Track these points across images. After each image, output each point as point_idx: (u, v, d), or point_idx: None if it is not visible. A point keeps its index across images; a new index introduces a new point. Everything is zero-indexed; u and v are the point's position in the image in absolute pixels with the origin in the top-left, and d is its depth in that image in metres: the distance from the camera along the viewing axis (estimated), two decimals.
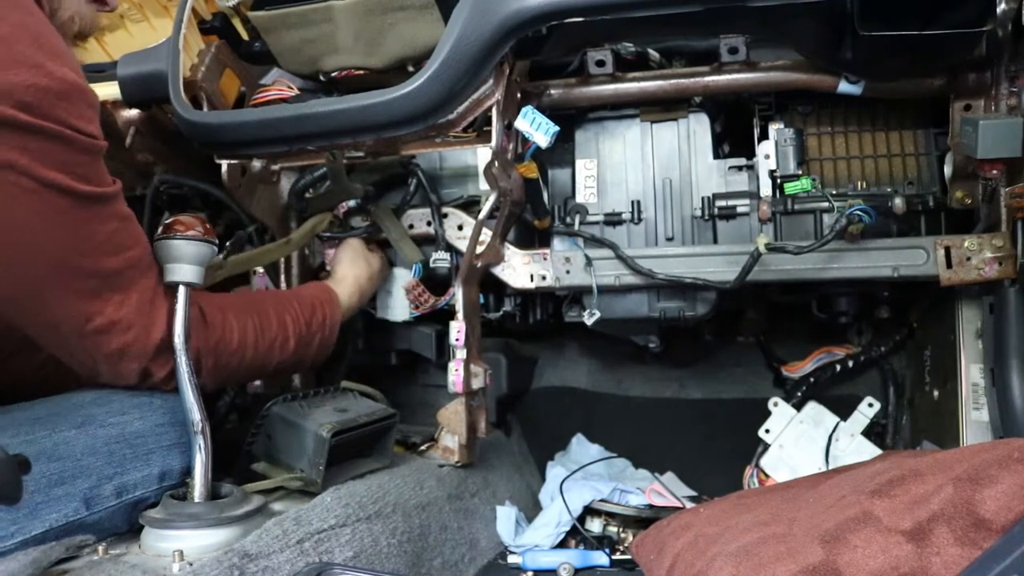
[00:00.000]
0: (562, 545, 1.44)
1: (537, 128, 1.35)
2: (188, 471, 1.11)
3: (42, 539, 0.98)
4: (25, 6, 0.98)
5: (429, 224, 1.64)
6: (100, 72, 1.63)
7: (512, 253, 1.57)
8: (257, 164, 1.54)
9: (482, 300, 1.69)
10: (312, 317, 1.40)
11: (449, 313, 1.45)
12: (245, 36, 1.56)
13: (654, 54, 1.56)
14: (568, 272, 1.55)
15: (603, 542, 1.42)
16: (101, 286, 1.06)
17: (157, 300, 1.12)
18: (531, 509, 1.59)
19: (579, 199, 1.67)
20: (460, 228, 1.63)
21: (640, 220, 1.62)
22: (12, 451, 0.91)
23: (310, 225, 1.62)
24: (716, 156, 1.63)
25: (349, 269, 1.57)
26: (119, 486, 1.07)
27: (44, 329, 1.09)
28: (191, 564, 0.91)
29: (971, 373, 1.45)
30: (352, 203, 1.64)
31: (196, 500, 1.06)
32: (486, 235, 1.49)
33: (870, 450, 1.66)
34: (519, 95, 1.50)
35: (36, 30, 0.96)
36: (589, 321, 1.55)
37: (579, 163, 1.68)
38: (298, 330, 1.36)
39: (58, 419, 1.07)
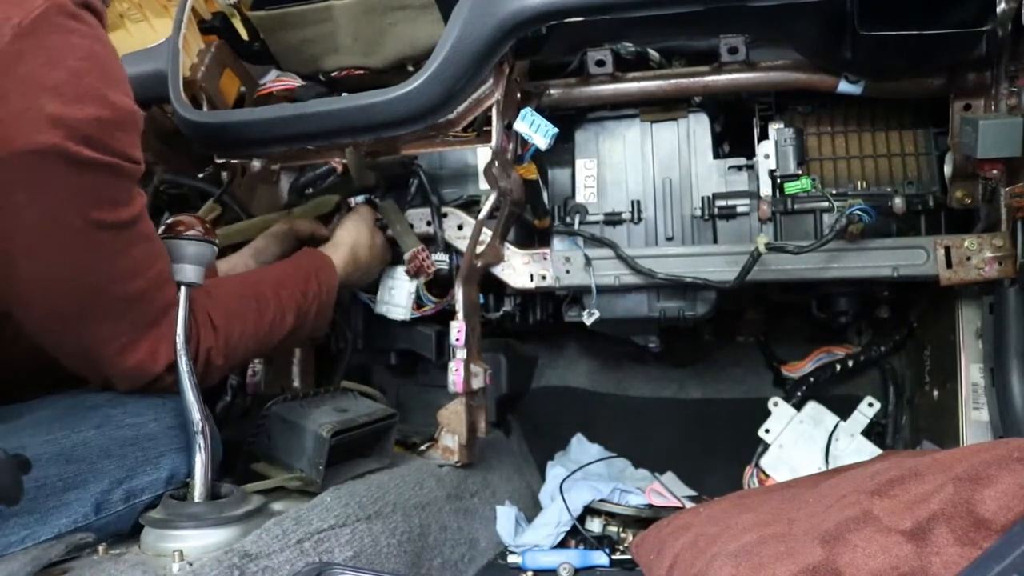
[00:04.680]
0: (562, 545, 1.44)
1: (536, 130, 1.35)
2: (192, 472, 1.11)
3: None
4: (97, 33, 0.97)
5: (429, 224, 1.64)
6: None
7: (512, 253, 1.57)
8: (257, 164, 1.54)
9: (482, 300, 1.69)
10: (307, 287, 1.38)
11: (449, 313, 1.45)
12: (245, 36, 1.56)
13: (654, 54, 1.56)
14: (568, 272, 1.55)
15: (603, 542, 1.42)
16: (125, 309, 1.07)
17: (173, 312, 1.12)
18: (531, 509, 1.59)
19: (579, 199, 1.67)
20: (460, 228, 1.63)
21: (640, 220, 1.62)
22: (33, 450, 0.92)
23: (315, 202, 1.62)
24: (716, 156, 1.63)
25: (348, 235, 1.55)
26: (128, 491, 1.07)
27: (67, 354, 1.10)
28: (191, 564, 0.91)
29: (971, 373, 1.45)
30: (360, 198, 1.65)
31: (196, 500, 1.06)
32: (486, 235, 1.49)
33: (870, 450, 1.66)
34: (519, 95, 1.50)
35: (104, 59, 0.97)
36: (589, 321, 1.55)
37: (579, 163, 1.68)
38: (296, 304, 1.35)
39: (77, 418, 1.07)
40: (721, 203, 1.58)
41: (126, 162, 0.99)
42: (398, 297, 1.70)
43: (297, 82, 1.49)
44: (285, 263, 1.46)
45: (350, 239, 1.55)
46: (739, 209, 1.57)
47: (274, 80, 1.51)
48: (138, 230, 1.05)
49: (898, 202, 1.44)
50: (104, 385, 1.14)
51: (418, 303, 1.66)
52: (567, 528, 1.45)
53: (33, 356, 1.12)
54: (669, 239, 1.61)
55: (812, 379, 1.76)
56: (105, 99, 0.95)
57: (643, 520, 1.46)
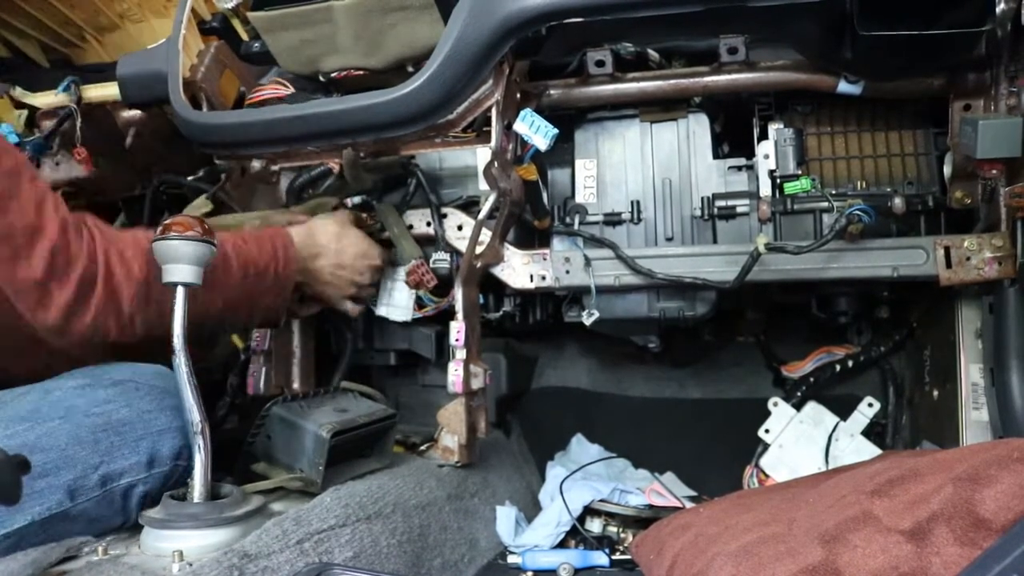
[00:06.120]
0: (562, 545, 1.44)
1: (536, 131, 1.35)
2: (178, 455, 1.11)
3: (25, 533, 0.99)
4: None
5: (429, 224, 1.64)
6: (100, 72, 1.63)
7: (512, 253, 1.57)
8: (256, 164, 1.54)
9: (482, 300, 1.69)
10: (260, 257, 1.33)
11: (449, 313, 1.45)
12: (245, 36, 1.56)
13: (654, 54, 1.56)
14: (568, 272, 1.55)
15: (603, 542, 1.42)
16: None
17: (46, 204, 1.10)
18: (531, 509, 1.59)
19: (579, 199, 1.67)
20: (460, 228, 1.63)
21: (640, 220, 1.62)
22: None
23: (313, 204, 1.62)
24: (716, 156, 1.63)
25: (313, 221, 1.52)
26: (104, 475, 1.07)
27: None
28: (191, 564, 0.91)
29: (971, 373, 1.45)
30: (357, 199, 1.64)
31: (196, 500, 1.06)
32: (486, 235, 1.49)
33: (870, 450, 1.66)
34: (519, 95, 1.50)
35: None
36: (588, 321, 1.55)
37: (579, 163, 1.68)
38: (243, 264, 1.30)
39: (40, 412, 1.07)
40: (721, 203, 1.58)
41: None
42: (399, 299, 1.71)
43: (289, 90, 1.49)
44: (233, 234, 1.38)
45: (313, 224, 1.52)
46: (739, 209, 1.57)
47: (266, 86, 1.51)
48: None
49: (898, 202, 1.44)
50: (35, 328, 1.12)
51: (419, 303, 1.66)
52: (567, 528, 1.45)
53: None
54: (669, 239, 1.61)
55: (812, 379, 1.76)
56: None
57: (643, 520, 1.46)
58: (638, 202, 1.63)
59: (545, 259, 1.56)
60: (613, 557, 1.36)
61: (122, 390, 1.14)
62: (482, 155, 1.65)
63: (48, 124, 1.63)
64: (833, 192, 1.53)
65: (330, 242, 1.51)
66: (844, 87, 1.43)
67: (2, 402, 1.10)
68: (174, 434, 1.13)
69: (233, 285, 1.29)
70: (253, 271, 1.32)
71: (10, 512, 0.98)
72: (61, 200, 1.13)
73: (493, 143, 1.38)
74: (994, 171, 1.34)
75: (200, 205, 1.58)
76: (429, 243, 1.65)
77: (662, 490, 1.55)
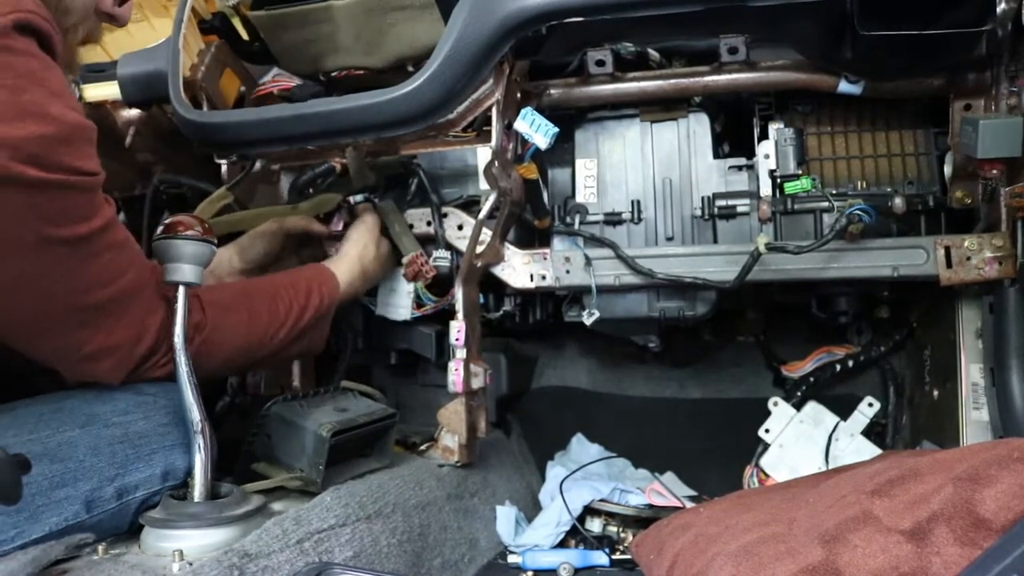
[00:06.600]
0: (562, 545, 1.44)
1: (536, 129, 1.35)
2: (191, 471, 1.11)
3: (41, 543, 0.98)
4: (31, 50, 0.96)
5: (429, 224, 1.64)
6: (100, 72, 1.63)
7: (512, 253, 1.57)
8: (257, 164, 1.54)
9: (482, 300, 1.69)
10: (307, 302, 1.37)
11: (449, 313, 1.45)
12: (245, 36, 1.56)
13: (654, 54, 1.56)
14: (568, 272, 1.55)
15: (603, 542, 1.42)
16: (92, 317, 1.06)
17: (148, 319, 1.12)
18: (531, 509, 1.59)
19: (579, 199, 1.67)
20: (460, 228, 1.63)
21: (640, 220, 1.62)
22: (16, 450, 0.91)
23: (318, 200, 1.62)
24: (716, 156, 1.63)
25: (355, 248, 1.54)
26: (120, 488, 1.07)
27: (34, 355, 1.10)
28: (191, 564, 0.91)
29: (971, 373, 1.45)
30: (359, 197, 1.65)
31: (196, 500, 1.06)
32: (486, 235, 1.49)
33: (870, 450, 1.66)
34: (519, 95, 1.50)
35: (42, 75, 0.96)
36: (588, 321, 1.55)
37: (579, 163, 1.68)
38: (291, 320, 1.34)
39: (62, 417, 1.07)
40: (721, 203, 1.58)
41: (77, 176, 0.97)
42: (398, 298, 1.70)
43: (294, 81, 1.49)
44: (285, 277, 1.44)
45: (357, 252, 1.53)
46: (739, 209, 1.57)
47: (271, 80, 1.51)
48: (104, 240, 1.04)
49: (898, 202, 1.44)
50: (79, 382, 1.14)
51: (418, 302, 1.66)
52: (567, 528, 1.45)
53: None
54: (669, 239, 1.61)
55: (812, 379, 1.76)
56: (47, 115, 0.93)
57: (643, 520, 1.46)
58: (638, 202, 1.63)
59: (545, 259, 1.56)
60: (613, 557, 1.36)
61: (141, 401, 1.14)
62: (482, 155, 1.65)
63: None
64: (833, 192, 1.53)
65: (374, 266, 1.56)
66: (844, 87, 1.43)
67: (24, 406, 1.10)
68: (188, 448, 1.13)
69: (283, 346, 1.34)
70: (303, 325, 1.37)
71: (28, 522, 0.98)
72: (157, 282, 1.15)
73: (493, 142, 1.38)
74: (995, 171, 1.34)
75: (221, 196, 1.56)
76: (429, 242, 1.64)
77: (662, 490, 1.55)
